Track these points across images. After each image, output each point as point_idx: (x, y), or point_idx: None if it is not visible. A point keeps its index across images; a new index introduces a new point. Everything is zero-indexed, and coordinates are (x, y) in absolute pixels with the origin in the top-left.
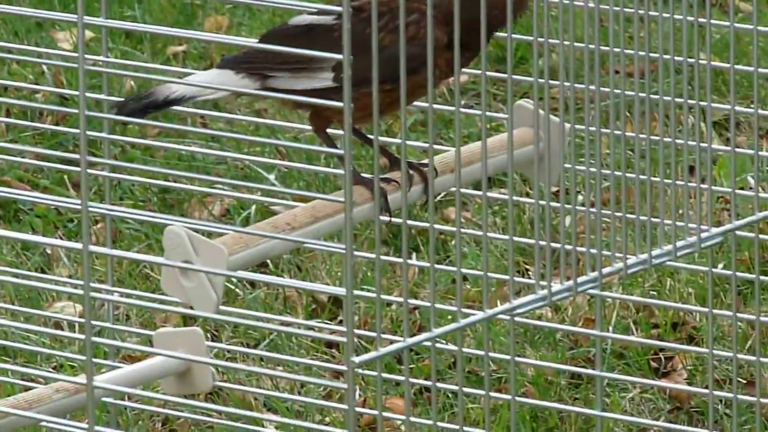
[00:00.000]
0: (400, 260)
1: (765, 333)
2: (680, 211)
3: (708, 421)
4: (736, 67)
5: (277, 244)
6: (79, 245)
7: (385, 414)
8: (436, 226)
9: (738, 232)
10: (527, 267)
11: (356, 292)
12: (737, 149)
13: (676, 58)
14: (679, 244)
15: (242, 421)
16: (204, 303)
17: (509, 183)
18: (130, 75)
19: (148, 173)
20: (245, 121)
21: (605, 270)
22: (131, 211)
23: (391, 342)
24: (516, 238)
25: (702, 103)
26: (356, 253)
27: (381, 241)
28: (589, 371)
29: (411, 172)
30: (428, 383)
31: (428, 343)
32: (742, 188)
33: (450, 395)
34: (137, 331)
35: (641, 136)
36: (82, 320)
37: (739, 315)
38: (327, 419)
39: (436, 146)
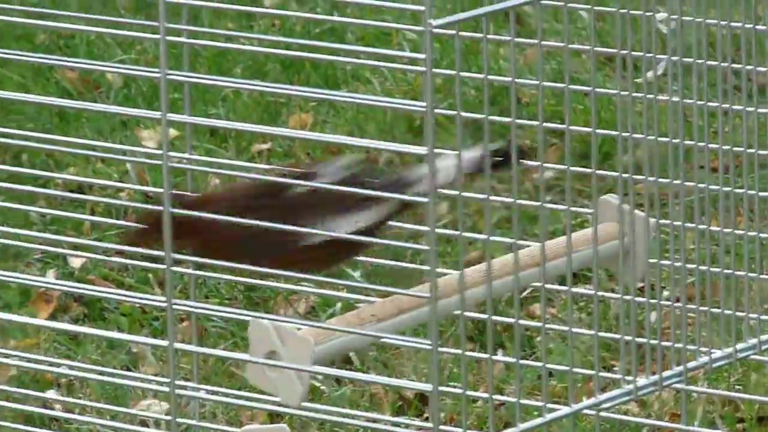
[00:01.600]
0: (486, 356)
1: None
2: (765, 306)
3: None
4: None
5: (361, 338)
6: (164, 343)
7: None
8: (522, 321)
9: None
10: (613, 362)
11: (442, 388)
12: None
13: (761, 152)
14: (764, 337)
15: None
16: (290, 394)
17: (594, 278)
18: (215, 172)
19: (233, 271)
20: None
21: (690, 364)
22: (217, 308)
23: None
24: (601, 334)
25: None
26: (441, 349)
27: (466, 337)
28: None
29: None
30: None
31: None
32: None
33: None
34: (224, 428)
35: (726, 230)
36: (168, 418)
37: None
38: None
39: (520, 241)
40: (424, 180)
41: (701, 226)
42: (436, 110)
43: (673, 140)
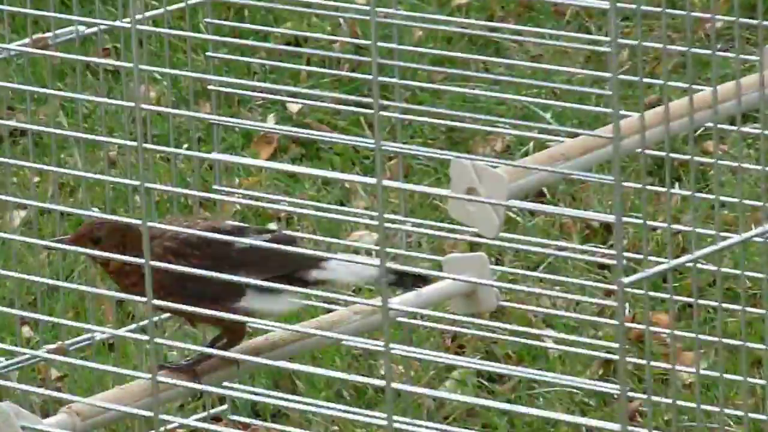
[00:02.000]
0: (664, 189)
1: None
2: None
3: None
4: None
5: (551, 174)
6: (373, 180)
7: (651, 328)
8: (696, 158)
9: None
10: None
11: (625, 218)
12: None
13: None
14: None
15: (523, 336)
16: (487, 226)
17: (762, 118)
18: (419, 26)
19: (436, 114)
20: (523, 66)
21: None
22: (421, 148)
23: (657, 263)
24: None
25: None
26: (624, 183)
27: (647, 172)
28: None
29: None
30: (690, 300)
31: (690, 264)
32: None
33: (710, 311)
34: (428, 257)
35: None
36: (378, 248)
37: None
38: (599, 333)
39: (695, 86)
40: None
41: None
42: None
43: None
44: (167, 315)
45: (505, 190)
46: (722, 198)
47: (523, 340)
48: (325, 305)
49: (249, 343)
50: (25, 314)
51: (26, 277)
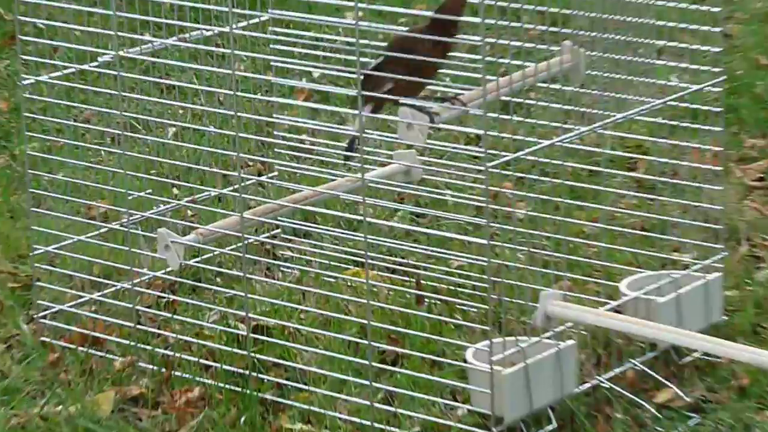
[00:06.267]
0: (508, 117)
1: None
2: (640, 93)
3: (655, 191)
4: None
5: (457, 111)
6: (356, 111)
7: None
8: (527, 101)
9: (669, 103)
10: (567, 119)
11: (489, 132)
12: None
13: None
14: (641, 108)
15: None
16: (417, 140)
17: (560, 79)
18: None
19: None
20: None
21: (606, 121)
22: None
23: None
24: None
25: None
26: (489, 114)
27: (500, 108)
28: None
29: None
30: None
31: (523, 157)
32: None
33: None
34: (387, 152)
35: None
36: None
37: None
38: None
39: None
40: None
41: None
42: None
43: None
44: (251, 181)
45: (427, 122)
46: (539, 122)
47: (434, 195)
48: (330, 177)
49: (291, 197)
50: (174, 182)
51: (175, 162)
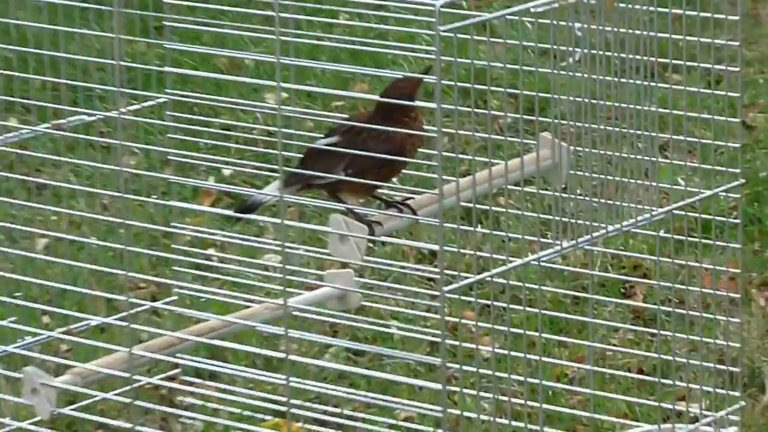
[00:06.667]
0: (472, 228)
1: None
2: (639, 199)
3: (656, 324)
4: None
5: (402, 220)
6: (279, 220)
7: (463, 320)
8: (494, 208)
9: (675, 212)
10: (546, 231)
11: (445, 247)
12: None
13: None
14: (639, 218)
15: (377, 325)
16: (353, 257)
17: (536, 182)
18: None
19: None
20: None
21: (595, 234)
22: (311, 200)
23: (466, 278)
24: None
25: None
26: (445, 224)
27: (460, 217)
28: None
29: (400, 207)
30: (488, 302)
31: (488, 279)
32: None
33: (502, 310)
34: (314, 272)
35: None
36: (281, 265)
37: (674, 260)
38: (428, 324)
39: (493, 161)
40: None
41: (600, 151)
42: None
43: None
44: (143, 307)
45: (365, 234)
46: (510, 234)
47: (376, 328)
48: (244, 303)
49: (193, 328)
50: (44, 308)
51: (45, 283)
